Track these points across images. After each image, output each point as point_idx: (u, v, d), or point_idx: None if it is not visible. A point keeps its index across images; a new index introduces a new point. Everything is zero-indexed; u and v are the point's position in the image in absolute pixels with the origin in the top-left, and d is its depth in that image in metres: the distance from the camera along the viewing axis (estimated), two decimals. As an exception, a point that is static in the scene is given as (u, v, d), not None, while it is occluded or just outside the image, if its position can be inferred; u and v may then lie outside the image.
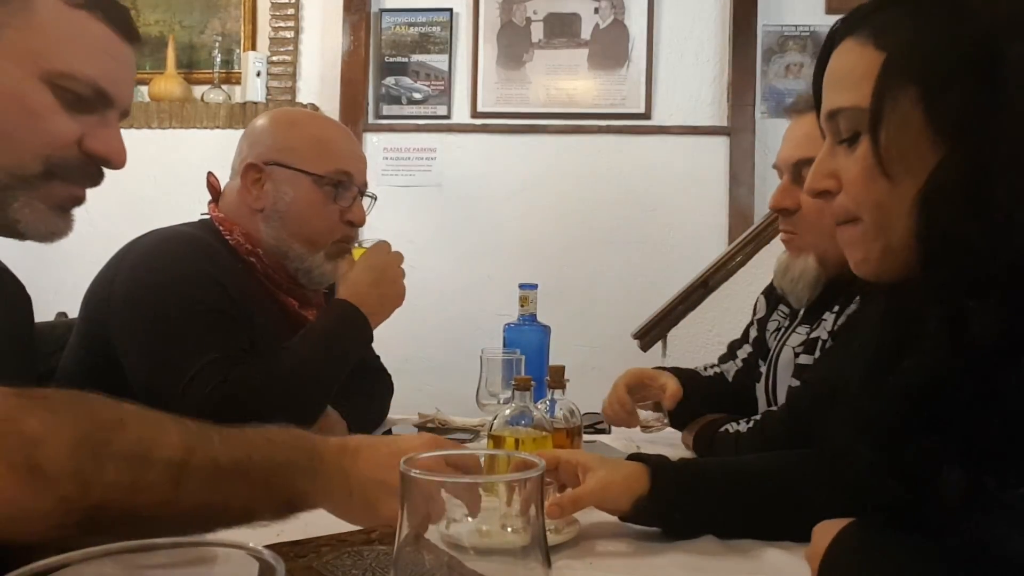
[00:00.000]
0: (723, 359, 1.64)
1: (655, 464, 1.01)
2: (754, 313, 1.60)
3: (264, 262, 1.42)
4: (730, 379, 1.58)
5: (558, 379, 1.29)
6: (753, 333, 1.58)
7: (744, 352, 1.59)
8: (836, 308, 1.29)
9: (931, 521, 0.68)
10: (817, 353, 1.30)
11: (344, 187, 1.44)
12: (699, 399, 1.46)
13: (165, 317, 1.27)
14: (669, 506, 0.99)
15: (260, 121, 1.51)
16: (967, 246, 0.64)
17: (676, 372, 1.52)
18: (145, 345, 1.27)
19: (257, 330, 1.35)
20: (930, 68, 0.68)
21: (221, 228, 1.43)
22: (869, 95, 0.70)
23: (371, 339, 1.43)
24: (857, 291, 1.22)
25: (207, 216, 1.46)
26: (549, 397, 1.28)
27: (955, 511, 0.66)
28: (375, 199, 1.58)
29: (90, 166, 0.98)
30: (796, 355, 1.35)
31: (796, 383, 1.32)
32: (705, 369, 1.62)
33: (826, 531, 0.77)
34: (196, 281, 1.29)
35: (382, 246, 1.48)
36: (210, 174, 1.53)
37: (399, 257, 1.48)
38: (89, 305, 1.36)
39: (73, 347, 1.38)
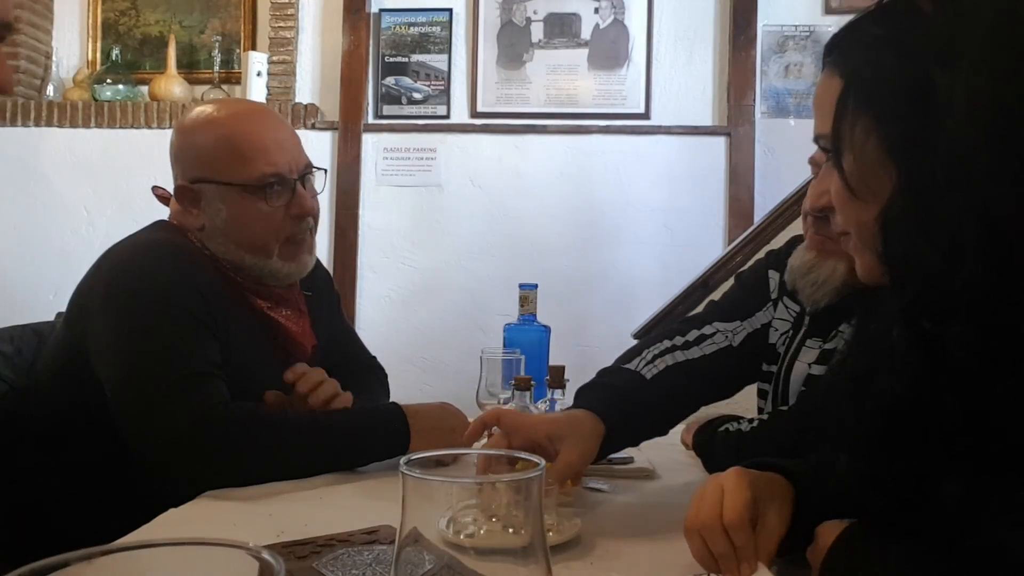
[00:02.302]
0: (693, 324, 1.37)
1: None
2: (770, 290, 1.40)
3: (226, 268, 1.39)
4: (703, 352, 1.31)
5: (558, 379, 1.29)
6: (763, 318, 1.38)
7: (743, 332, 1.36)
8: (854, 321, 1.26)
9: (931, 528, 0.69)
10: None
11: (276, 185, 1.36)
12: (637, 426, 1.21)
13: (136, 325, 1.25)
14: None
15: (175, 135, 1.42)
16: (924, 269, 0.67)
17: (604, 397, 1.17)
18: (115, 354, 1.25)
19: (231, 335, 1.33)
20: (878, 97, 0.71)
21: (183, 231, 1.40)
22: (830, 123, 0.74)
23: (403, 451, 1.28)
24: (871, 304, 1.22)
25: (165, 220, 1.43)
26: (549, 397, 1.28)
27: (959, 519, 0.66)
28: (326, 172, 1.49)
29: None
30: (810, 367, 1.31)
31: None
32: (649, 363, 1.26)
33: (829, 530, 0.77)
34: (173, 288, 1.27)
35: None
36: (155, 187, 1.48)
37: (461, 423, 1.35)
38: (70, 311, 1.35)
39: (52, 353, 1.38)
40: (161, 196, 1.48)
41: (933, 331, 0.66)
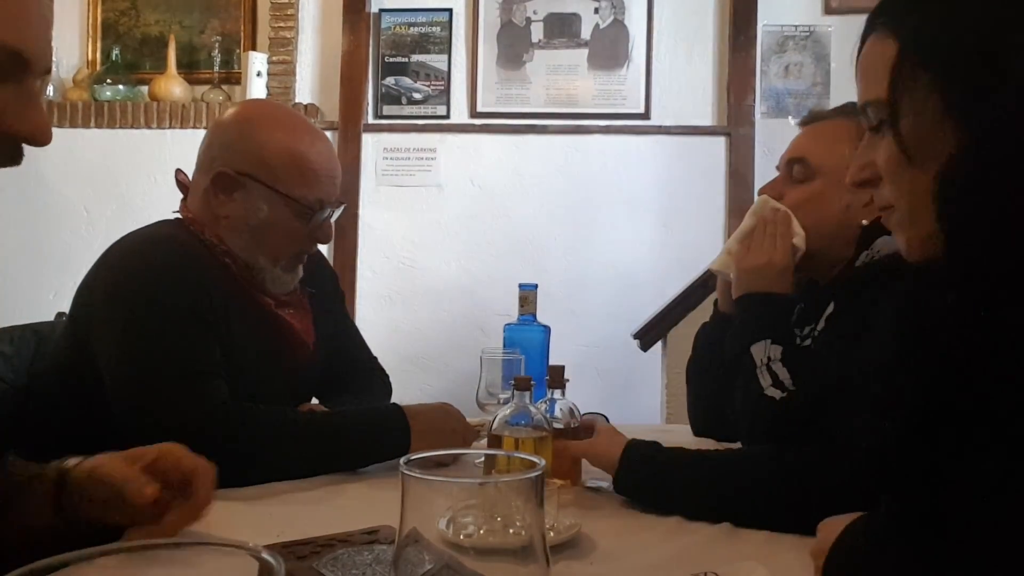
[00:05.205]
0: None
1: (633, 440, 1.17)
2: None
3: (237, 263, 1.40)
4: None
5: (558, 379, 1.29)
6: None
7: None
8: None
9: (950, 512, 0.67)
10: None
11: (318, 213, 1.41)
12: None
13: (141, 324, 1.25)
14: (633, 477, 1.13)
15: (230, 120, 1.43)
16: (985, 232, 0.65)
17: None
18: (119, 353, 1.25)
19: (234, 331, 1.33)
20: (941, 55, 0.70)
21: (192, 227, 1.40)
22: (887, 86, 0.72)
23: (403, 452, 1.24)
24: (833, 296, 1.26)
25: (178, 215, 1.44)
26: (549, 397, 1.28)
27: (985, 502, 0.64)
28: (345, 206, 1.54)
29: (7, 145, 0.84)
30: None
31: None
32: None
33: (832, 527, 0.77)
34: (175, 285, 1.27)
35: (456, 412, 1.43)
36: (178, 171, 1.49)
37: (461, 424, 1.39)
38: (73, 308, 1.35)
39: (56, 351, 1.38)
40: (182, 181, 1.48)
41: (990, 299, 0.64)
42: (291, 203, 1.38)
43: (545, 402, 1.27)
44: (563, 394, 1.29)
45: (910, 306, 0.78)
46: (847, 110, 1.41)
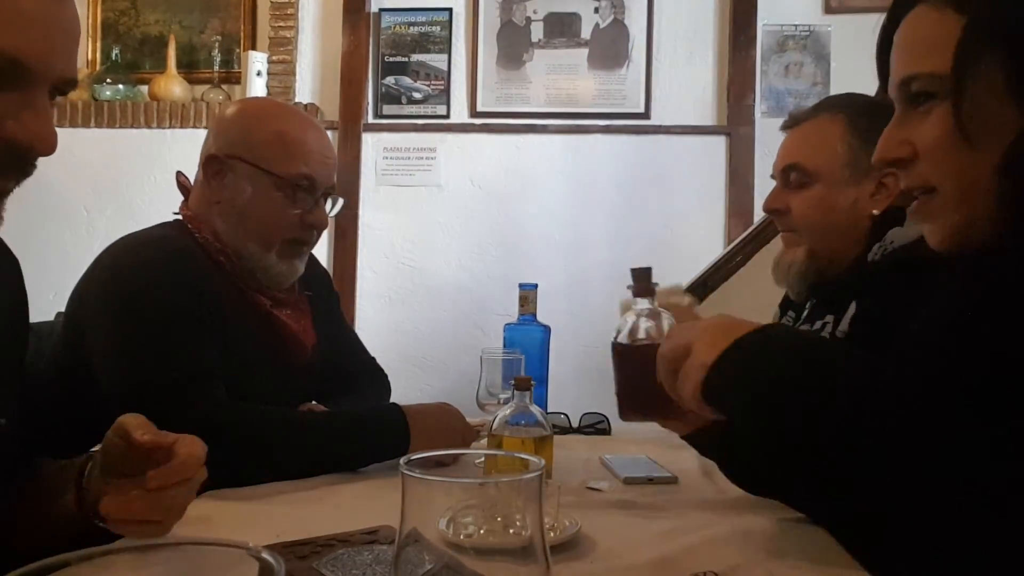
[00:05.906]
0: None
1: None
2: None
3: (233, 261, 1.39)
4: None
5: (645, 284, 1.03)
6: None
7: None
8: (832, 314, 1.29)
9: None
10: None
11: (305, 191, 1.39)
12: None
13: (135, 326, 1.25)
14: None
15: (228, 111, 1.46)
16: None
17: None
18: (114, 354, 1.25)
19: (230, 333, 1.33)
20: (1015, 32, 0.67)
21: (190, 227, 1.40)
22: (948, 60, 0.69)
23: (403, 452, 1.27)
24: (853, 295, 1.24)
25: (178, 216, 1.44)
26: (635, 306, 1.03)
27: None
28: (344, 202, 1.53)
29: (9, 155, 0.82)
30: None
31: None
32: None
33: (710, 338, 0.76)
34: (171, 287, 1.27)
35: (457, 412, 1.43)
36: (179, 173, 1.50)
37: (461, 424, 1.39)
38: (68, 310, 1.35)
39: (53, 351, 1.38)
40: (183, 183, 1.48)
41: None
42: (274, 179, 1.37)
43: (633, 311, 1.02)
44: (652, 302, 1.03)
45: (966, 295, 0.74)
46: (827, 106, 1.40)
